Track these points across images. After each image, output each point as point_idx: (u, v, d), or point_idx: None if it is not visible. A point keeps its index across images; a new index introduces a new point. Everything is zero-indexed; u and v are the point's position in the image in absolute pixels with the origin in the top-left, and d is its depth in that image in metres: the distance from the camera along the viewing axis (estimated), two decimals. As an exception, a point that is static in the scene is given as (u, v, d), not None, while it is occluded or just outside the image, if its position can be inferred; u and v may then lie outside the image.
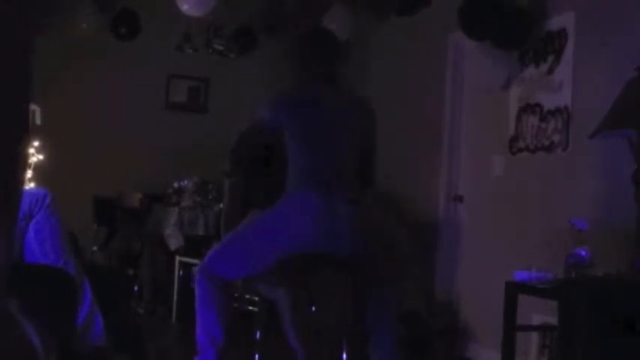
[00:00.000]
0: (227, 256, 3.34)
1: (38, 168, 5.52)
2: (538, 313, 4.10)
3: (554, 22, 4.45)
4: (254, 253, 3.29)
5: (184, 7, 5.78)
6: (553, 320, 3.76)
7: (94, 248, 6.33)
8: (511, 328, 3.59)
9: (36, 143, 5.56)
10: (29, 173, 5.64)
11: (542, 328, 4.11)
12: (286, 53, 3.56)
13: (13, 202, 1.30)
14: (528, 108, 4.65)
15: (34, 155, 5.44)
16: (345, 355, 3.73)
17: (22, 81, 1.30)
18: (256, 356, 3.91)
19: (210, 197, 6.10)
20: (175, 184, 6.22)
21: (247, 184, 3.59)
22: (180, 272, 5.74)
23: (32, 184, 4.92)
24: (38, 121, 5.64)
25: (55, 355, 2.30)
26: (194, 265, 5.61)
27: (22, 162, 1.35)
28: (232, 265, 3.31)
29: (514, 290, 3.60)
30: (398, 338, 3.50)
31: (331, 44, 3.51)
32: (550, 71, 4.48)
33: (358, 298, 3.42)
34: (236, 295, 3.89)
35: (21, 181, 1.33)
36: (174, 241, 5.85)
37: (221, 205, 5.89)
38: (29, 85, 1.31)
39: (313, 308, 3.90)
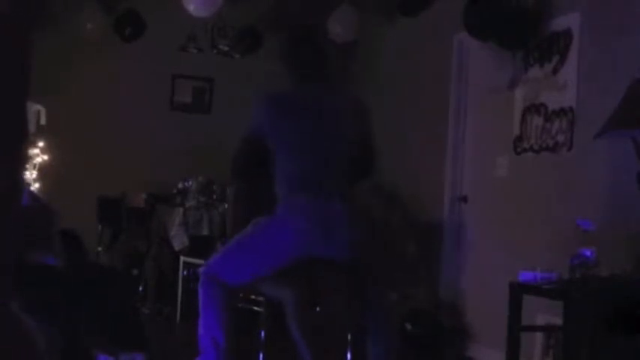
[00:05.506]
0: (229, 262, 3.35)
1: (43, 168, 5.54)
2: (542, 313, 4.09)
3: (559, 23, 4.45)
4: (254, 262, 3.31)
5: (191, 8, 5.77)
6: (558, 321, 3.76)
7: (99, 249, 6.34)
8: (515, 328, 3.59)
9: (41, 144, 5.58)
10: (34, 174, 5.65)
11: (547, 329, 4.11)
12: (278, 55, 3.56)
13: (14, 202, 1.29)
14: (533, 108, 4.65)
15: (39, 155, 5.46)
16: (349, 355, 3.73)
17: (20, 83, 1.28)
18: (261, 356, 3.92)
19: (214, 197, 6.11)
20: (180, 185, 6.23)
21: (250, 191, 3.59)
22: (185, 272, 5.75)
23: (37, 185, 4.93)
24: (43, 122, 5.65)
25: (59, 352, 2.30)
26: (199, 265, 5.62)
27: (22, 162, 1.35)
28: (234, 272, 3.32)
29: (518, 290, 3.60)
30: (397, 336, 3.50)
31: (315, 45, 3.50)
32: (555, 71, 4.48)
33: (360, 297, 3.42)
34: (241, 295, 3.89)
35: (22, 181, 1.32)
36: (178, 242, 5.86)
37: (226, 206, 5.90)
38: (27, 87, 1.29)
39: (318, 308, 3.90)
